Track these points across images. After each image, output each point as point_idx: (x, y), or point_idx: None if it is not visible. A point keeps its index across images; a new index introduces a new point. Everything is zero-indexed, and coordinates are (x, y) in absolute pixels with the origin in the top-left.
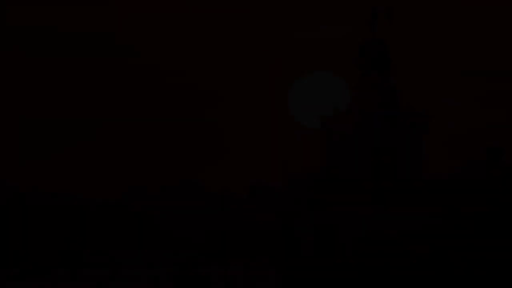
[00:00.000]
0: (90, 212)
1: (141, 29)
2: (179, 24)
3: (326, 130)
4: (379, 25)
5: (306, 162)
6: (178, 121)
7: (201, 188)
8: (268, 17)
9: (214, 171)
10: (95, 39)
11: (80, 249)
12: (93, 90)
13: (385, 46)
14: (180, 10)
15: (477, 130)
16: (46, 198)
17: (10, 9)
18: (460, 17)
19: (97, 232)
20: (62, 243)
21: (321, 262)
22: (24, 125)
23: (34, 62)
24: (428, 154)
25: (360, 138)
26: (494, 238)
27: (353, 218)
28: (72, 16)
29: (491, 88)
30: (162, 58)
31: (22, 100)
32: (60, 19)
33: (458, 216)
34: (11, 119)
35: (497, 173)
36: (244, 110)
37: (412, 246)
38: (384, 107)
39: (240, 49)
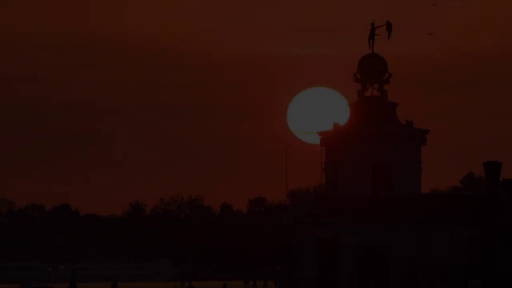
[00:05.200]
0: (91, 225)
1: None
2: (179, 38)
3: (325, 146)
4: (377, 39)
5: (306, 178)
6: (179, 135)
7: (202, 203)
8: (268, 32)
9: (215, 185)
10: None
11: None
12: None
13: (384, 61)
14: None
15: (476, 144)
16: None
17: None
18: (459, 28)
19: (100, 244)
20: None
21: (323, 279)
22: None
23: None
24: (427, 169)
25: (359, 153)
26: (494, 251)
27: (354, 233)
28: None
29: (489, 102)
30: (162, 71)
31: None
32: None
33: (459, 230)
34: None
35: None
36: (244, 124)
37: (413, 259)
38: (383, 122)
39: (240, 63)
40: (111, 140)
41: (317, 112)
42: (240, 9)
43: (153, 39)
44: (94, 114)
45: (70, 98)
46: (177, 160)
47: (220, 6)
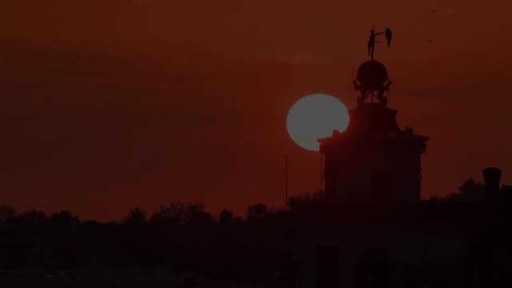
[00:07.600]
0: (91, 232)
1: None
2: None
3: (325, 153)
4: (377, 46)
5: (306, 185)
6: (179, 142)
7: (202, 209)
8: (268, 39)
9: (214, 192)
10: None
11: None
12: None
13: (384, 68)
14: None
15: (475, 151)
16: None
17: None
18: (458, 35)
19: (99, 251)
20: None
21: (323, 286)
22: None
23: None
24: (426, 176)
25: (359, 160)
26: (493, 258)
27: (354, 240)
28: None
29: (489, 109)
30: (161, 77)
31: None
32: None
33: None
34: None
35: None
36: (244, 131)
37: (413, 266)
38: (383, 129)
39: (240, 70)
40: (111, 147)
41: (317, 119)
42: (240, 16)
43: (152, 46)
44: (94, 121)
45: (69, 104)
46: (177, 167)
47: (220, 13)
